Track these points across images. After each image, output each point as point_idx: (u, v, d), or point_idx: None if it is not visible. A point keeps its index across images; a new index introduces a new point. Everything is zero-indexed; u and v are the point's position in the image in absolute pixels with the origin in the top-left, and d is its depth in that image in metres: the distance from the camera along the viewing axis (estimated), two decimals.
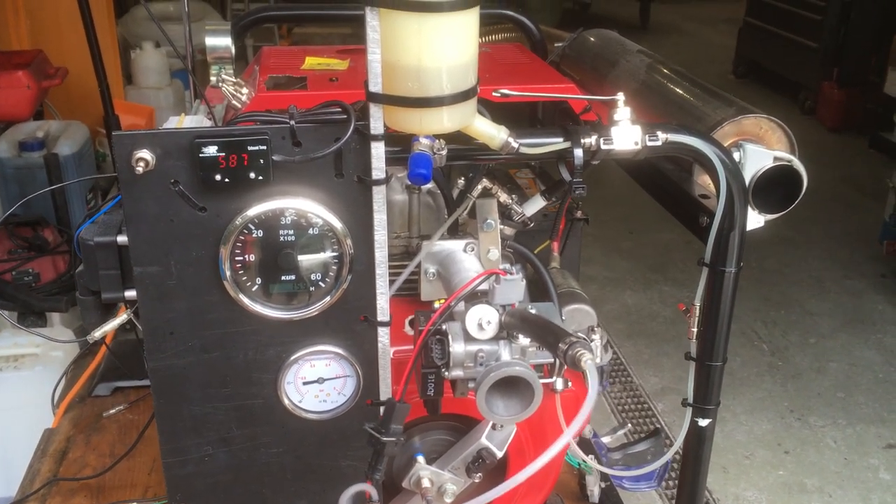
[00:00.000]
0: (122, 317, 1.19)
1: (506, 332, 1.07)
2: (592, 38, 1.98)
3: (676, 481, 1.49)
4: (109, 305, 1.22)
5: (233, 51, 1.82)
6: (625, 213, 4.95)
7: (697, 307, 1.29)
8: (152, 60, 6.06)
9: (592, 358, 0.84)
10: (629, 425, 1.74)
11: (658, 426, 3.26)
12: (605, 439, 1.68)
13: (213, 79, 1.65)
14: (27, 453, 2.00)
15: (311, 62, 1.68)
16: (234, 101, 1.55)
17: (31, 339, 3.06)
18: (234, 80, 1.60)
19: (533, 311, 1.08)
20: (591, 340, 0.86)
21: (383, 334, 1.19)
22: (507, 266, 1.06)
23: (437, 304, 1.12)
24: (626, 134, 1.15)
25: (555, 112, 1.65)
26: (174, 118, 1.32)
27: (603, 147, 1.14)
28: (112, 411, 2.05)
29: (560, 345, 0.87)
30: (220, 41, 1.80)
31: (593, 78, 1.81)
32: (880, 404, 3.59)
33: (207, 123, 1.32)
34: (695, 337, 1.31)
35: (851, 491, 3.09)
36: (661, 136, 1.15)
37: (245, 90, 1.58)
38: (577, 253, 1.82)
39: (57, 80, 4.43)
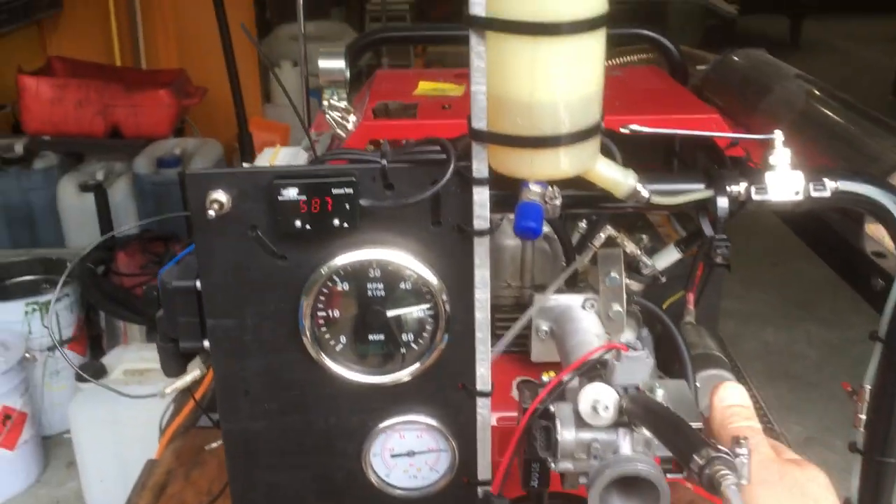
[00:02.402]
0: (194, 373, 1.09)
1: (626, 417, 0.89)
2: (740, 61, 1.76)
3: None
4: (190, 354, 1.13)
5: (347, 74, 1.72)
6: (766, 240, 4.59)
7: (867, 390, 1.06)
8: (290, 79, 6.19)
9: (737, 482, 0.65)
10: None
11: None
12: None
13: (324, 103, 1.56)
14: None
15: (424, 87, 1.55)
16: (338, 130, 1.44)
17: (157, 353, 3.10)
18: (343, 107, 1.50)
19: (661, 392, 0.90)
20: (738, 455, 0.67)
21: (483, 406, 1.03)
22: (631, 339, 0.88)
23: (545, 377, 0.95)
24: (784, 181, 0.94)
25: (694, 144, 1.46)
26: (268, 150, 1.22)
27: (755, 197, 0.94)
28: (214, 445, 1.98)
29: (695, 457, 0.68)
30: (333, 64, 1.71)
31: (741, 106, 1.59)
32: None
33: (303, 157, 1.21)
34: (863, 426, 1.08)
35: None
36: (830, 185, 0.94)
37: (352, 117, 1.47)
38: (717, 304, 1.61)
39: (196, 99, 4.55)
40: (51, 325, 3.27)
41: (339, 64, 1.70)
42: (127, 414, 2.76)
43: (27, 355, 3.09)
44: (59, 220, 3.99)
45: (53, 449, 3.38)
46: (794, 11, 9.87)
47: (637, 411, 0.84)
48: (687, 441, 0.72)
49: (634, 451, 0.89)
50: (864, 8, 10.61)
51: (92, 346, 3.63)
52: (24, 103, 4.04)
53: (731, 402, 0.84)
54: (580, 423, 0.89)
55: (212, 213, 0.91)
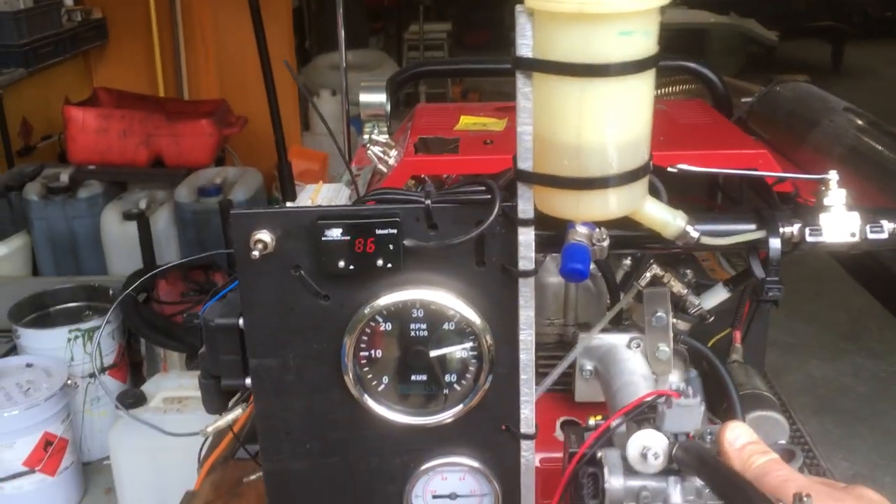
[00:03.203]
0: (235, 412, 1.08)
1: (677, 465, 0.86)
2: (786, 93, 1.74)
3: None
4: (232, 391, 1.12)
5: (388, 108, 1.72)
6: (809, 269, 4.49)
7: None
8: (329, 108, 6.26)
9: None
10: None
11: None
12: None
13: (365, 137, 1.56)
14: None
15: (465, 122, 1.55)
16: (380, 166, 1.44)
17: (195, 381, 3.11)
18: (384, 142, 1.50)
19: (710, 438, 0.87)
20: None
21: (527, 448, 1.01)
22: (682, 385, 0.86)
23: (592, 421, 0.93)
24: (839, 223, 0.92)
25: (740, 179, 1.43)
26: (311, 187, 1.22)
27: (809, 239, 0.92)
28: (253, 477, 1.97)
29: None
30: (374, 98, 1.72)
31: (788, 139, 1.57)
32: None
33: (345, 193, 1.21)
34: None
35: None
36: (888, 227, 0.91)
37: (394, 153, 1.47)
38: (763, 341, 1.57)
39: (236, 129, 4.61)
40: (93, 353, 3.30)
41: (380, 98, 1.70)
42: (166, 442, 2.76)
43: (69, 382, 3.12)
44: (102, 248, 4.05)
45: (93, 475, 3.40)
46: (836, 37, 9.76)
47: (689, 460, 0.82)
48: (744, 496, 0.69)
49: (685, 500, 0.86)
50: None
51: (133, 372, 3.66)
52: (70, 133, 4.12)
53: (742, 441, 0.82)
54: (629, 470, 0.87)
55: (256, 253, 0.91)
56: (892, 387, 4.10)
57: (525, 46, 0.81)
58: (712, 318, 1.16)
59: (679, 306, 1.15)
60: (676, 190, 1.04)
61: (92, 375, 3.35)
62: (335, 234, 0.91)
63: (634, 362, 1.10)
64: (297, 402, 1.01)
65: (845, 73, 9.40)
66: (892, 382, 4.13)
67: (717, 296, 1.14)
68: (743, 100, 1.79)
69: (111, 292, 3.59)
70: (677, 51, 1.84)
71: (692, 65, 1.73)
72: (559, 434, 1.22)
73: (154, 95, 4.96)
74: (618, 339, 1.14)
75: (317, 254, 0.93)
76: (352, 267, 0.93)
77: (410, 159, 1.35)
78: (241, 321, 1.03)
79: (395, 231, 0.91)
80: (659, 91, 2.20)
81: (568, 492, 0.90)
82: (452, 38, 9.24)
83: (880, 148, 1.34)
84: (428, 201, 0.92)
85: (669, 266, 1.17)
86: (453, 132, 1.49)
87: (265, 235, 0.92)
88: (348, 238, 0.91)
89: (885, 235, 0.91)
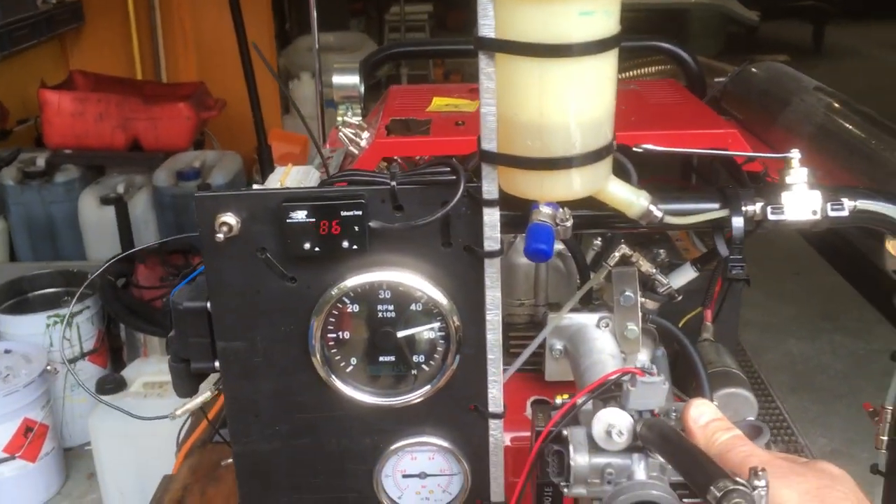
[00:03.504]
0: (205, 395, 1.09)
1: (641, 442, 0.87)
2: (759, 72, 1.74)
3: None
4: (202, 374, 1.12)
5: (361, 90, 1.72)
6: (788, 249, 4.53)
7: (889, 411, 1.04)
8: (308, 90, 6.22)
9: None
10: None
11: None
12: None
13: (338, 119, 1.56)
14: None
15: (438, 103, 1.54)
16: (351, 148, 1.44)
17: None
18: (357, 123, 1.49)
19: (674, 416, 0.88)
20: (755, 488, 0.64)
21: (495, 427, 1.02)
22: (646, 364, 0.87)
23: (558, 400, 0.94)
24: (801, 201, 0.93)
25: (712, 158, 1.44)
26: (280, 169, 1.21)
27: (771, 217, 0.93)
28: (229, 460, 1.98)
29: (712, 489, 0.66)
30: (347, 80, 1.71)
31: (760, 118, 1.57)
32: None
33: (315, 176, 1.21)
34: (885, 447, 1.05)
35: None
36: (848, 205, 0.92)
37: (366, 134, 1.46)
38: (735, 320, 1.58)
39: (215, 112, 4.58)
40: (62, 338, 3.29)
41: (353, 79, 1.70)
42: (146, 427, 2.76)
43: (49, 367, 3.10)
44: (80, 233, 4.02)
45: (74, 461, 3.39)
46: (817, 17, 9.77)
47: (652, 438, 0.83)
48: (703, 471, 0.70)
49: (649, 476, 0.87)
50: (887, 13, 10.49)
51: (113, 358, 3.65)
52: (46, 117, 4.08)
53: (706, 418, 0.83)
54: (594, 447, 0.88)
55: (220, 236, 0.91)
56: (869, 364, 4.15)
57: (487, 27, 0.81)
58: (681, 297, 1.16)
59: (648, 286, 1.16)
60: (651, 169, 1.05)
61: (72, 361, 3.34)
62: (300, 216, 0.91)
63: (603, 341, 1.11)
64: (266, 385, 1.01)
65: (826, 54, 9.43)
66: (870, 360, 4.18)
67: (685, 275, 1.15)
68: (716, 80, 1.79)
69: (90, 277, 3.57)
70: (656, 31, 1.84)
71: (665, 45, 1.73)
72: (529, 413, 1.22)
73: (131, 78, 4.91)
74: (587, 319, 1.14)
75: (282, 236, 0.93)
76: (317, 249, 0.93)
77: (381, 141, 1.34)
78: (209, 304, 1.03)
79: (360, 213, 0.91)
80: (636, 71, 2.21)
81: (535, 469, 0.91)
82: (434, 20, 9.19)
83: (848, 126, 1.35)
84: (393, 183, 0.92)
85: (641, 246, 1.17)
86: (426, 114, 1.48)
87: (230, 218, 0.92)
88: (313, 220, 0.91)
89: (845, 213, 0.92)
